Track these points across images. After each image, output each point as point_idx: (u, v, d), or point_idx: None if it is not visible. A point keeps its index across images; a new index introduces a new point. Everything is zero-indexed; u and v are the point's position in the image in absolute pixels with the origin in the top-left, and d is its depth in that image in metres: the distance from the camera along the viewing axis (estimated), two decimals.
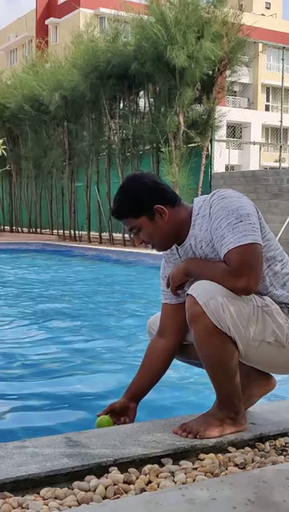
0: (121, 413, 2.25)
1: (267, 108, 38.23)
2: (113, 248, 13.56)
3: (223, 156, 14.53)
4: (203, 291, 1.96)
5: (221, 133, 14.83)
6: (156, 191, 2.15)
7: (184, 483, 1.72)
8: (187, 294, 2.01)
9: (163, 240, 2.18)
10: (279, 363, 2.13)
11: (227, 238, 1.97)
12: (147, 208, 2.11)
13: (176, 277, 2.14)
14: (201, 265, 2.09)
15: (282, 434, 2.12)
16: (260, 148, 20.24)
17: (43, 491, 1.68)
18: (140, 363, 2.33)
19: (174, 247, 2.25)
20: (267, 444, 2.05)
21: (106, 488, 1.69)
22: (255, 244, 1.96)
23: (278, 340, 2.03)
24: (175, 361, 2.38)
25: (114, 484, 1.72)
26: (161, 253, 2.32)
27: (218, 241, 2.01)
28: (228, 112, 14.38)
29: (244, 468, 1.87)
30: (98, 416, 2.26)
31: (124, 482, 1.74)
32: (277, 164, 20.54)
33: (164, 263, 2.34)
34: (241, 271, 1.94)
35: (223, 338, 1.97)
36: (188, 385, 3.27)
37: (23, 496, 1.65)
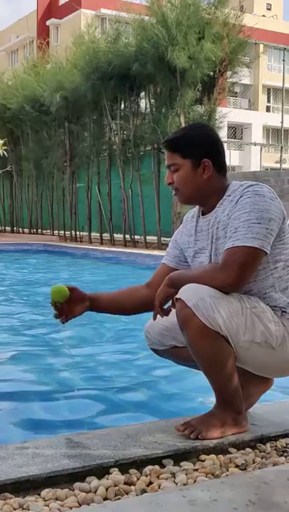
0: (74, 299, 2.19)
1: (268, 109, 38.26)
2: (114, 249, 13.55)
3: None
4: (191, 294, 1.97)
5: (222, 134, 14.87)
6: (213, 147, 2.17)
7: (184, 484, 1.72)
8: (176, 299, 2.01)
9: (190, 193, 2.17)
10: (270, 366, 2.13)
11: (238, 233, 1.99)
12: (198, 155, 2.12)
13: (160, 291, 2.12)
14: (184, 271, 2.16)
15: (283, 435, 2.12)
16: (261, 150, 20.28)
17: (44, 492, 1.68)
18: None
19: (196, 213, 2.26)
20: (268, 445, 2.05)
21: (107, 489, 1.69)
22: (258, 249, 1.98)
23: (268, 342, 2.03)
24: (174, 363, 2.38)
25: (115, 485, 1.71)
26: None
27: (229, 230, 2.03)
28: (229, 113, 14.40)
29: (245, 469, 1.87)
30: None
31: (125, 483, 1.74)
32: (278, 165, 20.55)
33: (180, 228, 2.35)
34: (233, 268, 1.96)
35: (216, 338, 1.97)
36: (189, 385, 3.26)
37: (23, 497, 1.65)
